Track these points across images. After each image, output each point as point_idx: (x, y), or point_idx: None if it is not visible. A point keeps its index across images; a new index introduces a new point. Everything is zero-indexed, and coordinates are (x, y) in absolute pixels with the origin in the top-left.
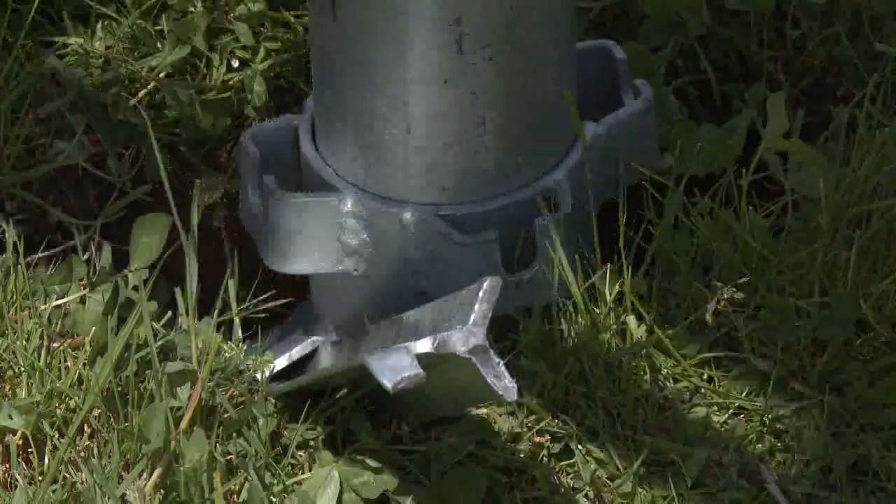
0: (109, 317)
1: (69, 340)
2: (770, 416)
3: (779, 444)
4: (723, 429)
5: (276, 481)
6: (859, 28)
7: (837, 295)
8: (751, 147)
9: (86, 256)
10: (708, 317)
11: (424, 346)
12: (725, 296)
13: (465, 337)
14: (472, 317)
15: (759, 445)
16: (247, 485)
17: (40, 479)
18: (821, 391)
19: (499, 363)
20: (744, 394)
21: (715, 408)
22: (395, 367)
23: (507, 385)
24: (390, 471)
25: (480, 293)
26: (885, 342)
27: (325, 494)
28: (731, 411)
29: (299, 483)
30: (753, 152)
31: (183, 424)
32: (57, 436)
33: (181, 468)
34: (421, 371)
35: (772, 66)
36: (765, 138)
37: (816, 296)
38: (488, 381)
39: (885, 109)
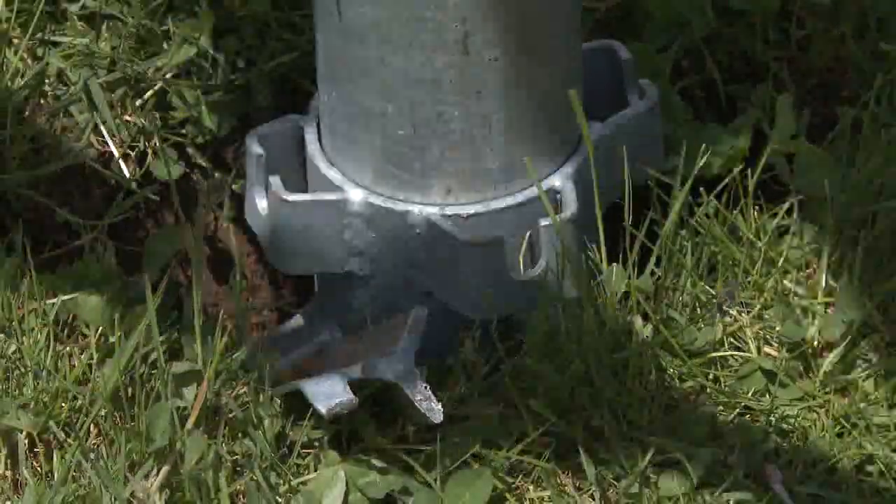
0: (116, 317)
1: (76, 342)
2: (776, 416)
3: (785, 444)
4: (729, 428)
5: (281, 481)
6: (865, 28)
7: (843, 295)
8: (756, 147)
9: (93, 256)
10: (713, 316)
11: (355, 372)
12: (731, 295)
13: (393, 363)
14: (400, 344)
15: (765, 445)
16: (252, 485)
17: (48, 478)
18: (827, 391)
19: (426, 387)
20: (750, 393)
21: (721, 407)
22: (328, 394)
23: (433, 407)
24: (396, 470)
25: (408, 321)
26: (891, 342)
27: (332, 494)
28: (737, 411)
29: (305, 483)
30: (759, 153)
31: (188, 424)
32: (63, 435)
33: (186, 468)
34: (353, 397)
35: (777, 67)
36: (771, 139)
37: (822, 296)
38: (415, 403)
39: (890, 110)
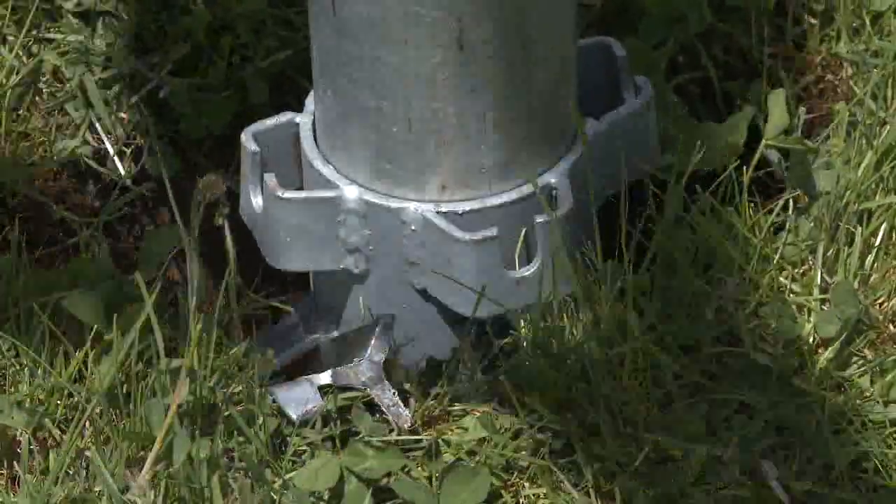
0: (112, 315)
1: (71, 339)
2: (772, 413)
3: (780, 441)
4: (724, 425)
5: (276, 479)
6: (860, 25)
7: (838, 291)
8: (752, 144)
9: (88, 254)
10: (709, 313)
11: (325, 378)
12: (727, 292)
13: (361, 370)
14: (368, 350)
15: (761, 442)
16: (246, 482)
17: (42, 476)
18: (822, 388)
19: (393, 394)
20: (745, 390)
21: (716, 404)
22: (299, 400)
23: (400, 413)
24: (394, 452)
25: (377, 328)
26: (886, 339)
27: (325, 474)
28: (732, 408)
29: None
30: (754, 149)
31: (167, 420)
32: (59, 433)
33: (178, 465)
34: (323, 401)
35: (772, 63)
36: (765, 135)
37: (817, 292)
38: (384, 409)
39: (885, 106)
